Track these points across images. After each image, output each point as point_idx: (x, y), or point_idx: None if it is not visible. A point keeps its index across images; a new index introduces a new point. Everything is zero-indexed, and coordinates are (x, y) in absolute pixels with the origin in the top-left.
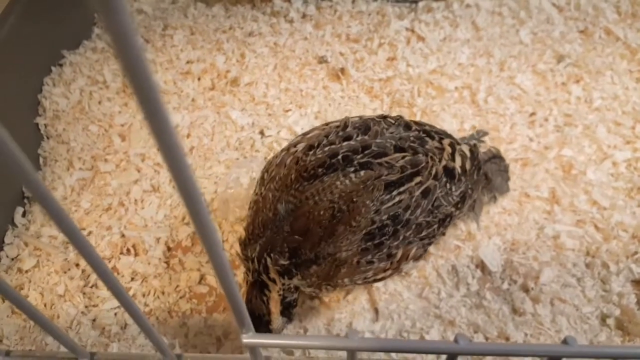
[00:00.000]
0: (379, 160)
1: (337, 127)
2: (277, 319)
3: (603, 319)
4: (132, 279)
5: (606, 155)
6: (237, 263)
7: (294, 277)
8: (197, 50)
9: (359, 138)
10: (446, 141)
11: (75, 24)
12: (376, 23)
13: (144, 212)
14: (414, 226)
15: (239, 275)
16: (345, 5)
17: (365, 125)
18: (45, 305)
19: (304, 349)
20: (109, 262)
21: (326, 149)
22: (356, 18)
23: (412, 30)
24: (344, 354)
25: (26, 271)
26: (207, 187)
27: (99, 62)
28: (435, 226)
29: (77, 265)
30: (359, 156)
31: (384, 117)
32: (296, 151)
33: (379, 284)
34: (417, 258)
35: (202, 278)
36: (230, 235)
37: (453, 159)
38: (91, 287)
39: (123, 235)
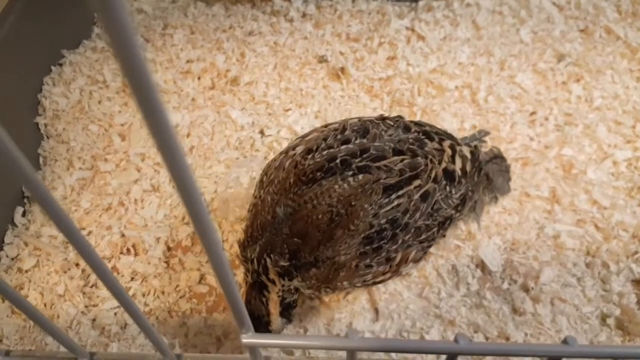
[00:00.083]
0: (377, 164)
1: (336, 130)
2: (276, 320)
3: (603, 318)
4: (132, 278)
5: (606, 155)
6: (237, 263)
7: (294, 279)
8: (197, 49)
9: (357, 141)
10: (446, 143)
11: (75, 24)
12: (376, 22)
13: (144, 212)
14: (413, 230)
15: (239, 275)
16: (345, 5)
17: (363, 128)
18: (45, 305)
19: (304, 349)
20: (109, 261)
21: (324, 152)
22: (356, 17)
23: (413, 30)
24: (344, 353)
25: (26, 271)
26: (207, 186)
27: (98, 62)
28: (435, 229)
29: (77, 265)
30: (357, 160)
31: (383, 119)
32: (295, 154)
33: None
34: (416, 261)
35: (202, 278)
36: (230, 235)
37: (453, 161)
38: (91, 286)
39: (123, 235)
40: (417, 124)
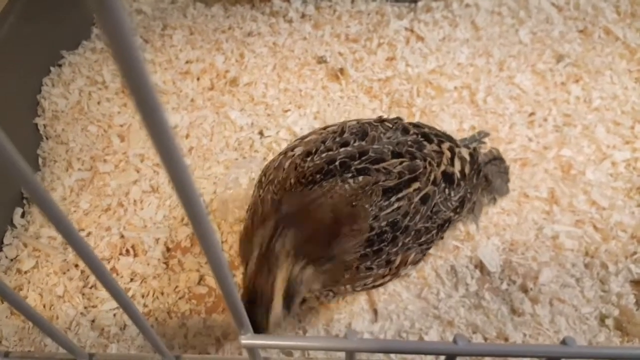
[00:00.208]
0: (376, 166)
1: (335, 132)
2: (278, 305)
3: (602, 319)
4: (132, 279)
5: (605, 155)
6: (236, 264)
7: (306, 268)
8: (196, 50)
9: (356, 144)
10: (445, 145)
11: (74, 24)
12: (375, 23)
13: (143, 213)
14: (412, 232)
15: (238, 277)
16: (344, 5)
17: (362, 131)
18: (44, 306)
19: (303, 350)
20: (108, 262)
21: (323, 155)
22: (355, 18)
23: (412, 30)
24: (343, 354)
25: (25, 272)
26: (206, 187)
27: (98, 63)
28: (434, 232)
29: (76, 266)
30: (356, 162)
31: (382, 121)
32: (294, 155)
33: None
34: (415, 263)
35: (201, 279)
36: (229, 236)
37: (452, 164)
38: (90, 287)
39: (122, 236)
40: (415, 125)
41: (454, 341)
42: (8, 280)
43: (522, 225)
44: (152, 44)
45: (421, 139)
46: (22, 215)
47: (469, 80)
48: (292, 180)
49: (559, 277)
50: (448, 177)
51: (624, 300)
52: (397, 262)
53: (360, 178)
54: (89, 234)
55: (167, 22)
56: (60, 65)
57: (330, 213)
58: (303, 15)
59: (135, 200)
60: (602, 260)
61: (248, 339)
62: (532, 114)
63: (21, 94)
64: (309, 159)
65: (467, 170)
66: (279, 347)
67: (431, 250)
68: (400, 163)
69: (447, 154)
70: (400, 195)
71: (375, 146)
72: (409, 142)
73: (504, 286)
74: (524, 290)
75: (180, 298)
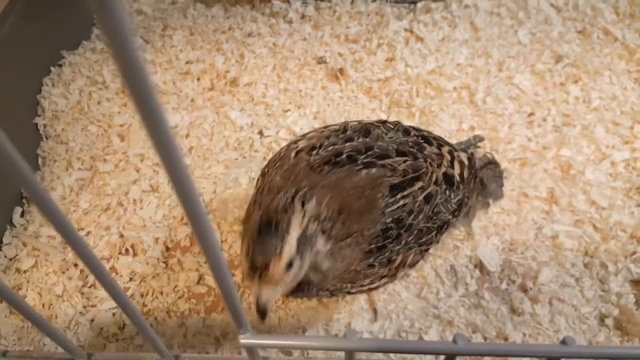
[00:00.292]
0: (382, 162)
1: (337, 130)
2: (292, 245)
3: (602, 319)
4: (131, 279)
5: (604, 155)
6: (236, 263)
7: (321, 236)
8: (196, 50)
9: (360, 140)
10: (445, 148)
11: (74, 25)
12: (375, 23)
13: (142, 212)
14: (415, 231)
15: (237, 276)
16: (344, 6)
17: (365, 129)
18: (43, 306)
19: (302, 350)
20: (108, 262)
21: (330, 148)
22: (355, 19)
23: (411, 31)
24: (342, 354)
25: (24, 271)
26: (206, 187)
27: (98, 63)
28: (434, 232)
29: (76, 265)
30: (362, 156)
31: (383, 122)
32: (297, 147)
33: None
34: (413, 265)
35: (200, 278)
36: (229, 235)
37: (452, 167)
38: (89, 287)
39: (122, 236)
40: (415, 128)
41: (454, 341)
42: (7, 280)
43: (522, 225)
44: (152, 45)
45: (421, 141)
46: (22, 215)
47: (468, 80)
48: (303, 165)
49: (559, 277)
50: (449, 179)
51: (624, 300)
52: (398, 261)
53: (374, 169)
54: (88, 233)
55: (167, 22)
56: (60, 65)
57: (355, 194)
58: (303, 16)
59: (134, 200)
60: (602, 260)
61: (247, 339)
62: (531, 114)
63: (21, 94)
64: (314, 152)
65: (465, 174)
66: (278, 347)
67: (431, 250)
68: (404, 161)
69: (447, 156)
70: (405, 192)
71: (379, 143)
72: (410, 143)
73: (504, 286)
74: (524, 289)
75: (179, 297)
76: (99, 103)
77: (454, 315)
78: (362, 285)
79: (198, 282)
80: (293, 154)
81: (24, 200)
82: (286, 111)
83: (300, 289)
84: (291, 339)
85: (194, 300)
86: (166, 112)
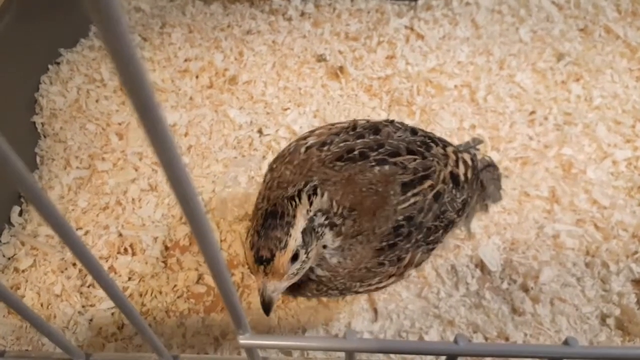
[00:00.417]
0: (393, 160)
1: (347, 127)
2: (296, 236)
3: (603, 318)
4: (130, 278)
5: (606, 154)
6: (235, 263)
7: (330, 231)
8: (195, 48)
9: (371, 137)
10: (450, 149)
11: (72, 22)
12: (375, 21)
13: (141, 211)
14: (424, 230)
15: (236, 275)
16: (344, 3)
17: (374, 127)
18: (42, 305)
19: (302, 350)
20: (106, 261)
21: (341, 145)
22: (355, 16)
23: (412, 28)
24: (343, 354)
25: (23, 271)
26: (205, 186)
27: (96, 61)
28: (441, 231)
29: (74, 264)
30: (374, 153)
31: (391, 122)
32: (307, 143)
33: None
34: (419, 264)
35: (199, 278)
36: (228, 234)
37: (457, 166)
38: (88, 286)
39: (120, 235)
40: (420, 129)
41: (455, 341)
42: (5, 279)
43: (523, 224)
44: (150, 42)
45: (428, 141)
46: (20, 214)
47: (469, 78)
48: (314, 160)
49: (560, 277)
50: (455, 178)
51: (625, 300)
52: (407, 260)
53: (387, 167)
54: (87, 232)
55: (165, 20)
56: (58, 63)
57: (369, 190)
58: (302, 14)
59: (133, 199)
60: (603, 260)
61: (246, 339)
62: (532, 112)
63: (19, 92)
64: (325, 148)
65: (469, 174)
66: (278, 347)
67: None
68: (414, 160)
69: (452, 156)
70: (415, 190)
71: (390, 141)
72: (418, 142)
73: (505, 285)
74: (525, 289)
75: (178, 297)
76: (97, 101)
77: (454, 315)
78: (370, 285)
79: (197, 282)
80: (303, 150)
81: (22, 200)
82: (286, 109)
83: (310, 288)
84: (291, 340)
85: (193, 300)
86: (164, 110)
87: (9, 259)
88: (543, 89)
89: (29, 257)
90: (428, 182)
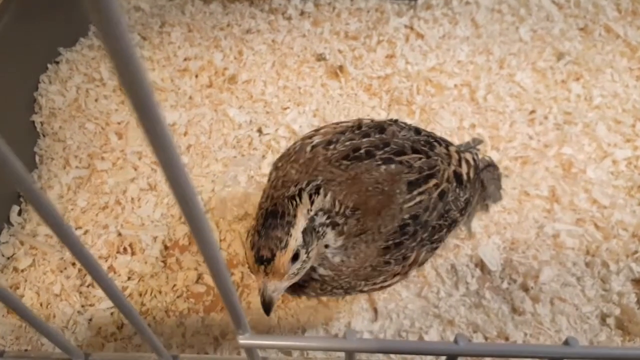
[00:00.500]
0: (399, 158)
1: (352, 126)
2: (297, 234)
3: (603, 318)
4: (129, 278)
5: (606, 154)
6: (235, 262)
7: (332, 230)
8: (194, 47)
9: (377, 136)
10: (452, 148)
11: (72, 21)
12: (375, 20)
13: (140, 211)
14: (430, 228)
15: (236, 275)
16: (343, 3)
17: (380, 127)
18: (41, 305)
19: (302, 350)
20: (106, 261)
21: (347, 143)
22: (355, 15)
23: (411, 28)
24: (342, 353)
25: (22, 270)
26: (205, 185)
27: (95, 60)
28: (445, 230)
29: (73, 264)
30: (380, 152)
31: (395, 121)
32: (312, 142)
33: None
34: (423, 263)
35: (199, 277)
36: (227, 234)
37: (460, 166)
38: (87, 286)
39: (120, 234)
40: (423, 129)
41: (455, 341)
42: (5, 279)
43: (523, 224)
44: (150, 41)
45: (432, 140)
46: (19, 213)
47: (469, 78)
48: (320, 159)
49: (560, 276)
50: (458, 177)
51: (625, 299)
52: (411, 259)
53: (393, 166)
54: (86, 232)
55: (165, 19)
56: (57, 62)
57: (375, 189)
58: (302, 13)
59: (132, 198)
60: (603, 259)
61: (246, 339)
62: (532, 111)
63: (18, 91)
64: (331, 147)
65: (471, 173)
66: (277, 347)
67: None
68: (419, 159)
69: (455, 156)
70: (421, 189)
71: (395, 140)
72: (422, 142)
73: (505, 285)
74: (525, 289)
75: (178, 297)
76: (96, 100)
77: (454, 315)
78: (374, 284)
79: (197, 281)
80: (309, 148)
81: (21, 199)
82: (285, 109)
83: (314, 287)
84: (290, 340)
85: (193, 300)
86: (164, 109)
87: (8, 258)
88: (543, 88)
89: (28, 257)
90: (433, 181)
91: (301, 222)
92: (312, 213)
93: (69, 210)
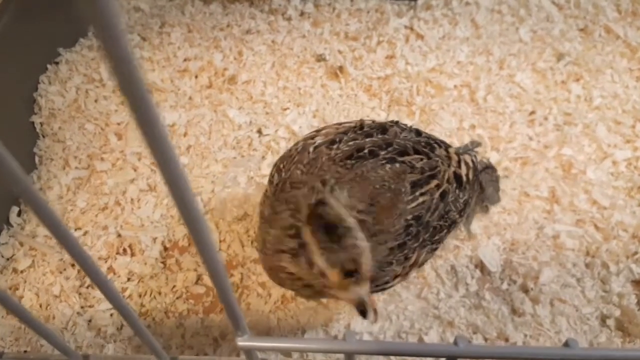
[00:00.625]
0: (402, 159)
1: (354, 127)
2: (358, 234)
3: (603, 319)
4: (129, 279)
5: (606, 155)
6: (234, 263)
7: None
8: (194, 48)
9: (379, 136)
10: (452, 150)
11: (71, 22)
12: (375, 21)
13: (140, 212)
14: (431, 229)
15: (236, 276)
16: (343, 3)
17: (382, 127)
18: (40, 306)
19: (301, 352)
20: (105, 262)
21: (350, 143)
22: (355, 16)
23: (411, 28)
24: (342, 355)
25: (21, 271)
26: (204, 186)
27: (95, 60)
28: (445, 231)
29: (73, 265)
30: (383, 152)
31: (396, 122)
32: (314, 142)
33: None
34: (422, 264)
35: (199, 278)
36: (227, 235)
37: (460, 167)
38: (87, 287)
39: (119, 235)
40: (422, 131)
41: (455, 342)
42: (4, 280)
43: (523, 225)
44: (150, 42)
45: (432, 142)
46: (19, 214)
47: (469, 78)
48: (324, 159)
49: (560, 277)
50: (458, 178)
51: (625, 301)
52: (412, 260)
53: (398, 165)
54: (85, 232)
55: (165, 19)
56: (57, 63)
57: (383, 187)
58: (302, 13)
59: (132, 199)
60: (603, 260)
61: (245, 341)
62: (532, 112)
63: (18, 92)
64: (334, 146)
65: (470, 175)
66: (277, 350)
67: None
68: (421, 159)
69: (455, 157)
70: (423, 190)
71: (397, 140)
72: (422, 143)
73: (505, 286)
74: (525, 290)
75: (177, 298)
76: (96, 101)
77: (454, 316)
78: (377, 285)
79: (196, 282)
80: (312, 149)
81: (21, 200)
82: (285, 109)
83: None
84: (290, 342)
85: (192, 301)
86: (163, 110)
87: (8, 259)
88: (543, 89)
89: (28, 258)
90: (434, 182)
91: (355, 224)
92: (348, 211)
93: (68, 211)
